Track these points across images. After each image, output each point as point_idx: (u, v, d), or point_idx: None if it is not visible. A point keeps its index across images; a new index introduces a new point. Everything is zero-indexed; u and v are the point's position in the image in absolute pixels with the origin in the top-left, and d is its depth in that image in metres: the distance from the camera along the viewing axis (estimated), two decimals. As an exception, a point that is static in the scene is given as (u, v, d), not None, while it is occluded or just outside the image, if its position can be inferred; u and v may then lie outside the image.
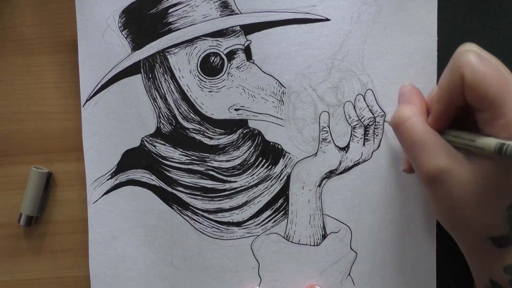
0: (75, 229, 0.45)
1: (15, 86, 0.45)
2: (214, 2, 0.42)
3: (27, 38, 0.45)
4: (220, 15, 0.42)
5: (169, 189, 0.44)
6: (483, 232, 0.34)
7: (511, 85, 0.31)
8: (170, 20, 0.43)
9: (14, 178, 0.46)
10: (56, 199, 0.46)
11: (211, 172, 0.44)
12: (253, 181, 0.44)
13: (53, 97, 0.45)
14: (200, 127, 0.43)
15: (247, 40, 0.42)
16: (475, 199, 0.33)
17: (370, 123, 0.43)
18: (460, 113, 0.35)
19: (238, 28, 0.42)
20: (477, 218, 0.33)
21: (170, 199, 0.44)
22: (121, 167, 0.44)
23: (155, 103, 0.43)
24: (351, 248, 0.44)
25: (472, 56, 0.32)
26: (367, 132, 0.43)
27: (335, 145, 0.43)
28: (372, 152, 0.43)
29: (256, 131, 0.43)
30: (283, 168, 0.43)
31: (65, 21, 0.44)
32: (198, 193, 0.44)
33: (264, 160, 0.44)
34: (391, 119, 0.37)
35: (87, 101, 0.43)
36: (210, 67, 0.43)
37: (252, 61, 0.43)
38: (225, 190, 0.44)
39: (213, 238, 0.44)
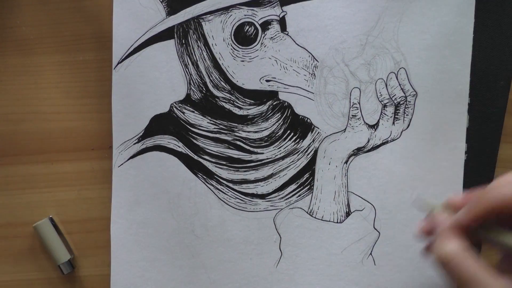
0: (76, 229, 0.45)
1: (15, 86, 0.45)
2: (251, -29, 0.42)
3: (27, 38, 0.44)
4: (257, -16, 0.42)
5: (195, 157, 0.44)
6: None
7: None
8: (207, -13, 0.42)
9: (14, 178, 0.45)
10: (57, 199, 0.45)
11: (238, 142, 0.43)
12: (280, 153, 0.43)
13: (53, 97, 0.45)
14: (230, 96, 0.43)
15: (283, 11, 0.42)
16: None
17: (401, 102, 0.42)
18: None
19: (274, -2, 0.42)
20: None
21: (195, 167, 0.44)
22: (148, 132, 0.44)
23: (187, 70, 0.43)
24: (374, 227, 0.43)
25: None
26: (398, 111, 0.42)
27: (364, 122, 0.43)
28: (402, 132, 0.43)
29: (286, 103, 0.43)
30: (310, 143, 0.43)
31: (65, 21, 0.44)
32: (224, 162, 0.44)
33: (292, 133, 0.43)
34: (436, 255, 0.33)
35: (118, 63, 0.43)
36: (243, 36, 0.43)
37: (287, 32, 0.42)
38: (251, 161, 0.44)
39: (236, 209, 0.44)
